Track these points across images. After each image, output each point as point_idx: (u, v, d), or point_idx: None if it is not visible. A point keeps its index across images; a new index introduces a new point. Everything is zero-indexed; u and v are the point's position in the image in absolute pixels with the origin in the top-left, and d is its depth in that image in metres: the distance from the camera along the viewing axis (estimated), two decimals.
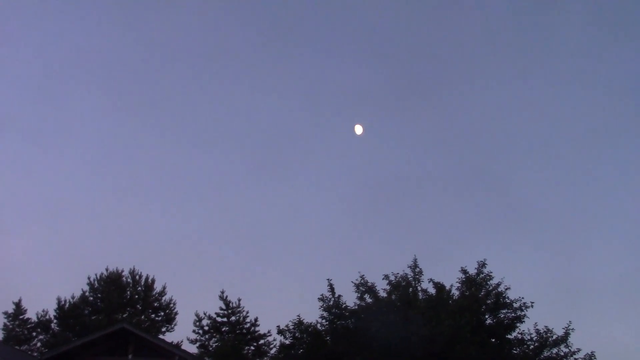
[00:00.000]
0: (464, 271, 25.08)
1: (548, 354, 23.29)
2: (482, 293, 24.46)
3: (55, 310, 39.23)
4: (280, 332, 25.31)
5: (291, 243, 60.15)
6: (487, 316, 24.38)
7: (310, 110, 64.53)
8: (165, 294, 42.08)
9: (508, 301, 24.09)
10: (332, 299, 25.19)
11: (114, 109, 63.56)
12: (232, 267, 56.76)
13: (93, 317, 38.66)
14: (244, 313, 37.62)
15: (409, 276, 25.44)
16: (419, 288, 25.46)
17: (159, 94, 65.73)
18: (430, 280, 25.37)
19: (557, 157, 61.30)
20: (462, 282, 25.03)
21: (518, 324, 23.87)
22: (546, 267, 51.20)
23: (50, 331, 39.42)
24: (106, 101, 63.28)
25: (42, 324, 39.50)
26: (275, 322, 37.45)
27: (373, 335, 22.73)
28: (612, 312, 45.19)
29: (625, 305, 46.56)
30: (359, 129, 48.19)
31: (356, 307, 25.02)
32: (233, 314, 37.48)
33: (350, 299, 25.65)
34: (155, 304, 41.55)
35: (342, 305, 25.16)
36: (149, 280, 41.95)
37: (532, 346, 23.50)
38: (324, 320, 25.18)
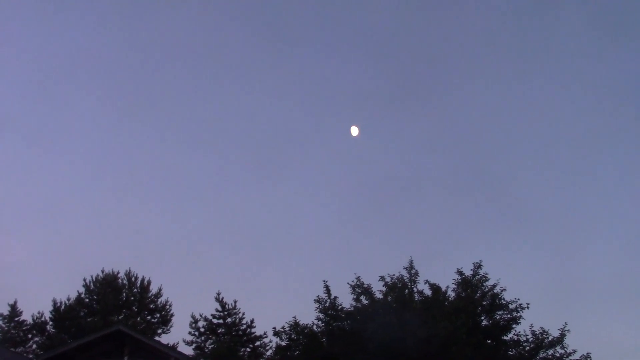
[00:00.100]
0: (460, 272, 25.15)
1: (544, 355, 23.36)
2: (478, 294, 24.51)
3: (50, 312, 39.11)
4: (276, 333, 25.33)
5: (287, 244, 60.24)
6: (482, 317, 24.43)
7: (307, 111, 64.72)
8: (161, 296, 42.01)
9: (504, 302, 24.16)
10: (328, 300, 25.22)
11: (111, 110, 63.76)
12: (228, 269, 56.80)
13: (89, 319, 38.53)
14: (240, 315, 37.54)
15: (405, 277, 25.49)
16: (415, 289, 25.52)
17: (157, 96, 65.90)
18: (426, 281, 25.47)
19: (553, 158, 61.59)
20: (458, 284, 25.09)
21: (514, 326, 23.98)
22: (543, 267, 51.38)
23: (46, 333, 39.26)
24: (104, 102, 63.49)
25: (38, 325, 39.34)
26: (271, 324, 37.44)
27: (369, 336, 22.75)
28: (608, 313, 45.29)
29: (622, 305, 46.72)
30: (355, 131, 48.31)
31: (352, 309, 25.05)
32: (229, 315, 37.40)
33: (346, 300, 25.74)
34: (151, 306, 41.43)
35: (338, 307, 25.18)
36: (145, 282, 41.86)
37: (527, 347, 23.57)
38: (320, 322, 25.24)
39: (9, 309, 39.91)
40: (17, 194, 62.89)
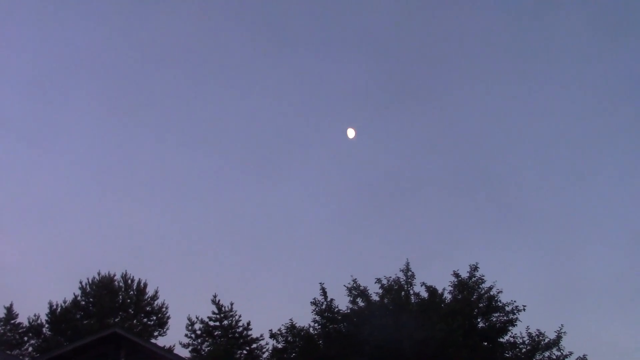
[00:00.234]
0: (456, 275, 25.17)
1: (540, 357, 23.38)
2: (475, 297, 24.53)
3: (46, 315, 38.99)
4: (272, 336, 25.31)
5: (284, 246, 60.12)
6: (479, 320, 24.45)
7: (303, 112, 64.74)
8: (158, 298, 41.91)
9: (500, 304, 24.18)
10: (325, 302, 25.22)
11: (110, 110, 63.66)
12: (225, 271, 56.59)
13: (85, 322, 38.41)
14: (237, 317, 37.51)
15: (402, 280, 25.50)
16: (412, 292, 25.54)
17: (155, 96, 65.90)
18: (423, 283, 25.46)
19: (553, 158, 61.67)
20: (455, 286, 25.10)
21: (510, 328, 23.97)
22: (541, 268, 51.41)
23: (42, 336, 39.14)
24: (103, 102, 63.47)
25: (34, 328, 39.21)
26: (267, 326, 37.44)
27: (365, 339, 22.75)
28: (606, 314, 45.38)
29: (619, 307, 46.73)
30: (351, 133, 48.32)
31: (349, 311, 25.04)
32: (225, 317, 37.36)
33: (342, 302, 25.74)
34: (148, 308, 41.35)
35: (334, 309, 25.19)
36: (141, 284, 41.77)
37: (524, 350, 23.58)
38: (316, 324, 25.24)
39: (5, 311, 39.77)
40: (13, 195, 62.75)
